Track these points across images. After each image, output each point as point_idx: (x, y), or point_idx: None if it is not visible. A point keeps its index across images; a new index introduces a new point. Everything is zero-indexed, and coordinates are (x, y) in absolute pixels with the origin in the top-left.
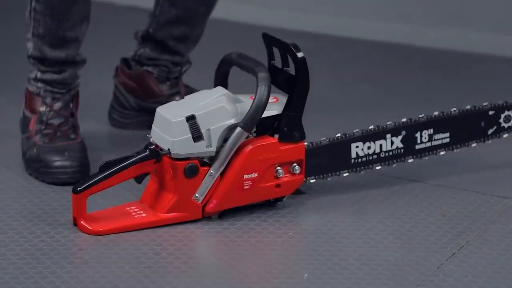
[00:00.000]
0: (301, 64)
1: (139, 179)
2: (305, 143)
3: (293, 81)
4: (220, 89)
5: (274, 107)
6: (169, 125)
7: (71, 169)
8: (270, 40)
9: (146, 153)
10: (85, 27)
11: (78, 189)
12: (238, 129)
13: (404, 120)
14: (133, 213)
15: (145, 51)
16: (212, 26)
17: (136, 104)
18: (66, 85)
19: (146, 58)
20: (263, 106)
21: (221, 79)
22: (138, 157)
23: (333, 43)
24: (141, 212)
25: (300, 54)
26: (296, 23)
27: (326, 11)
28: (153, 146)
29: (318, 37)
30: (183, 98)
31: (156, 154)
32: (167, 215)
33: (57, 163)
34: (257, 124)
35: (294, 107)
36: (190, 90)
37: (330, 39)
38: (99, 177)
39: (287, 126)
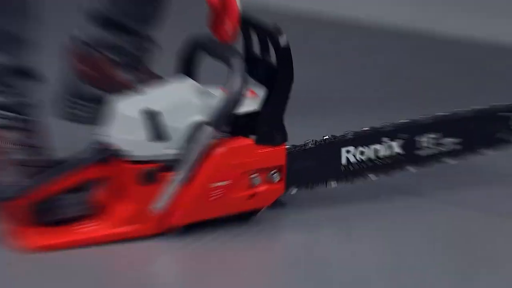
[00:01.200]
0: (284, 53)
1: (90, 184)
2: (287, 146)
3: (273, 72)
4: (186, 79)
5: (252, 103)
6: (125, 122)
7: None
8: (246, 22)
9: (97, 154)
10: None
11: (7, 196)
12: (206, 127)
13: (405, 121)
14: (80, 226)
15: (102, 33)
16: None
17: (92, 95)
18: None
19: (103, 42)
20: (235, 100)
21: (185, 66)
22: (88, 158)
23: (331, 27)
24: (90, 225)
25: (282, 40)
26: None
27: None
28: (107, 146)
29: (308, 20)
30: (143, 89)
31: (110, 155)
32: (120, 229)
33: None
34: (231, 123)
35: (274, 104)
36: (157, 79)
37: (329, 23)
38: (40, 181)
39: (266, 125)
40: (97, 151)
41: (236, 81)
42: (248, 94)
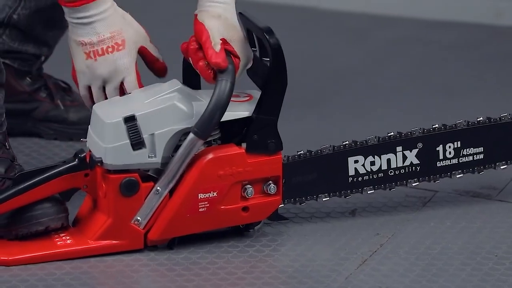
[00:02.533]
0: (275, 53)
1: (66, 195)
2: (283, 156)
3: (267, 75)
4: (174, 83)
5: (244, 108)
6: (102, 127)
7: None
8: (246, 22)
9: (74, 163)
10: None
11: None
12: (191, 135)
13: (421, 128)
14: (57, 239)
15: (3, 40)
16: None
17: None
18: None
19: (4, 49)
20: (222, 106)
21: (189, 71)
22: (63, 167)
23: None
24: (67, 238)
25: (273, 40)
26: None
27: None
28: (85, 154)
29: (317, 11)
30: (130, 93)
31: (87, 164)
32: (98, 243)
33: None
34: (222, 129)
35: (267, 109)
36: (56, 81)
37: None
38: (11, 191)
39: (258, 132)
40: (80, 159)
41: (223, 87)
42: (244, 97)
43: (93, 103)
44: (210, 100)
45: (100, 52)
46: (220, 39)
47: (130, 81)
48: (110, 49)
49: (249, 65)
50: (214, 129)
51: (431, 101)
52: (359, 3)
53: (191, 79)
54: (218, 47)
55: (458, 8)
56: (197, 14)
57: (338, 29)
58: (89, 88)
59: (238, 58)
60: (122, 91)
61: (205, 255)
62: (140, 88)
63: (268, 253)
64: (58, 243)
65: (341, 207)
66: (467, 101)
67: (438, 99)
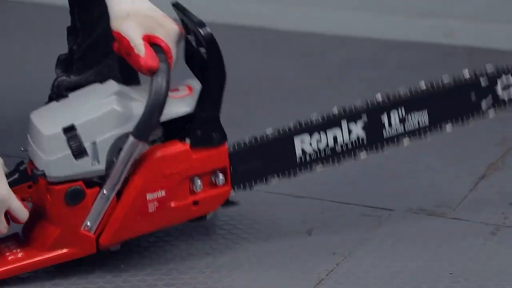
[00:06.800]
0: (209, 45)
1: None
2: (228, 146)
3: (205, 69)
4: (111, 85)
5: (185, 104)
6: (41, 140)
7: None
8: (179, 14)
9: (15, 176)
10: None
11: None
12: (130, 138)
13: (364, 100)
14: (7, 254)
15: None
16: None
17: None
18: None
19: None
20: (159, 106)
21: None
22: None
23: None
24: (18, 251)
25: (206, 33)
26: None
27: None
28: (25, 166)
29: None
30: (67, 96)
31: (29, 176)
32: (49, 254)
33: None
34: (163, 128)
35: (208, 104)
36: None
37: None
38: None
39: (201, 126)
40: (21, 172)
41: (158, 85)
42: (184, 91)
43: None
44: (147, 101)
45: None
46: (142, 38)
47: (16, 208)
48: None
49: (181, 39)
50: (155, 129)
51: None
52: (313, 24)
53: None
54: (142, 51)
55: (408, 28)
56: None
57: (293, 50)
58: None
59: (168, 46)
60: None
61: (162, 277)
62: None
63: (224, 274)
64: (9, 258)
65: (298, 227)
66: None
67: None
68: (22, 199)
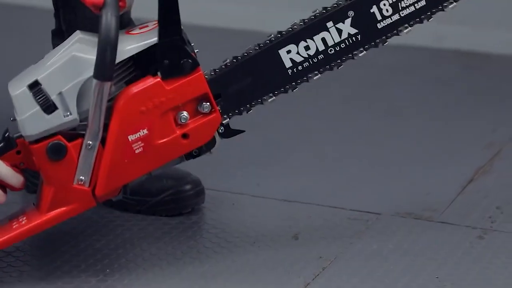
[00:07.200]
0: None
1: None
2: (208, 71)
3: None
4: (75, 34)
5: (151, 36)
6: (14, 102)
7: None
8: None
9: (1, 145)
10: None
11: None
12: (94, 81)
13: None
14: (14, 223)
15: None
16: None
17: None
18: None
19: None
20: (111, 42)
21: None
22: None
23: None
24: (23, 219)
25: None
26: None
27: None
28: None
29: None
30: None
31: (12, 141)
32: (49, 215)
33: None
34: (136, 63)
35: (167, 29)
36: None
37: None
38: None
39: (168, 56)
40: (5, 138)
41: (107, 20)
42: (153, 25)
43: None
44: (98, 39)
45: None
46: None
47: (6, 175)
48: None
49: None
50: (117, 67)
51: (375, 123)
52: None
53: None
54: None
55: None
56: None
57: None
58: None
59: None
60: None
61: (149, 282)
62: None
63: (211, 278)
64: (14, 226)
65: (284, 231)
66: (411, 121)
67: (381, 121)
68: (15, 166)
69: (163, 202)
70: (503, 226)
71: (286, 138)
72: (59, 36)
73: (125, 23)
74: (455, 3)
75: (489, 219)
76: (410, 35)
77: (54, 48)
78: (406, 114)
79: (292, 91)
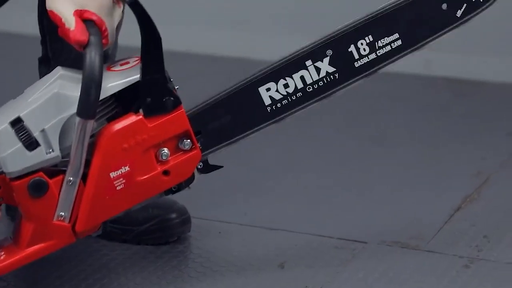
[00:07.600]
0: (134, 9)
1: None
2: (189, 108)
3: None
4: (56, 71)
5: (133, 73)
6: None
7: None
8: None
9: None
10: None
11: None
12: (77, 119)
13: (325, 35)
14: None
15: None
16: None
17: None
18: None
19: None
20: (95, 80)
21: None
22: None
23: None
24: (2, 254)
25: None
26: None
27: None
28: None
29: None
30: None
31: None
32: (28, 251)
33: None
34: (122, 101)
35: (150, 67)
36: None
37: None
38: None
39: (150, 94)
40: None
41: (91, 58)
42: (135, 62)
43: None
44: (82, 78)
45: None
46: (73, 13)
47: None
48: None
49: (116, 11)
50: (100, 104)
51: (362, 150)
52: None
53: None
54: (72, 25)
55: None
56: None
57: None
58: None
59: (101, 19)
60: None
61: None
62: None
63: None
64: None
65: (271, 260)
66: (399, 149)
67: (369, 149)
68: None
69: (149, 231)
70: (490, 254)
71: (273, 165)
72: (45, 63)
73: (105, 58)
74: (431, 42)
75: (476, 248)
76: (401, 63)
77: (40, 75)
78: (394, 141)
79: (268, 126)
